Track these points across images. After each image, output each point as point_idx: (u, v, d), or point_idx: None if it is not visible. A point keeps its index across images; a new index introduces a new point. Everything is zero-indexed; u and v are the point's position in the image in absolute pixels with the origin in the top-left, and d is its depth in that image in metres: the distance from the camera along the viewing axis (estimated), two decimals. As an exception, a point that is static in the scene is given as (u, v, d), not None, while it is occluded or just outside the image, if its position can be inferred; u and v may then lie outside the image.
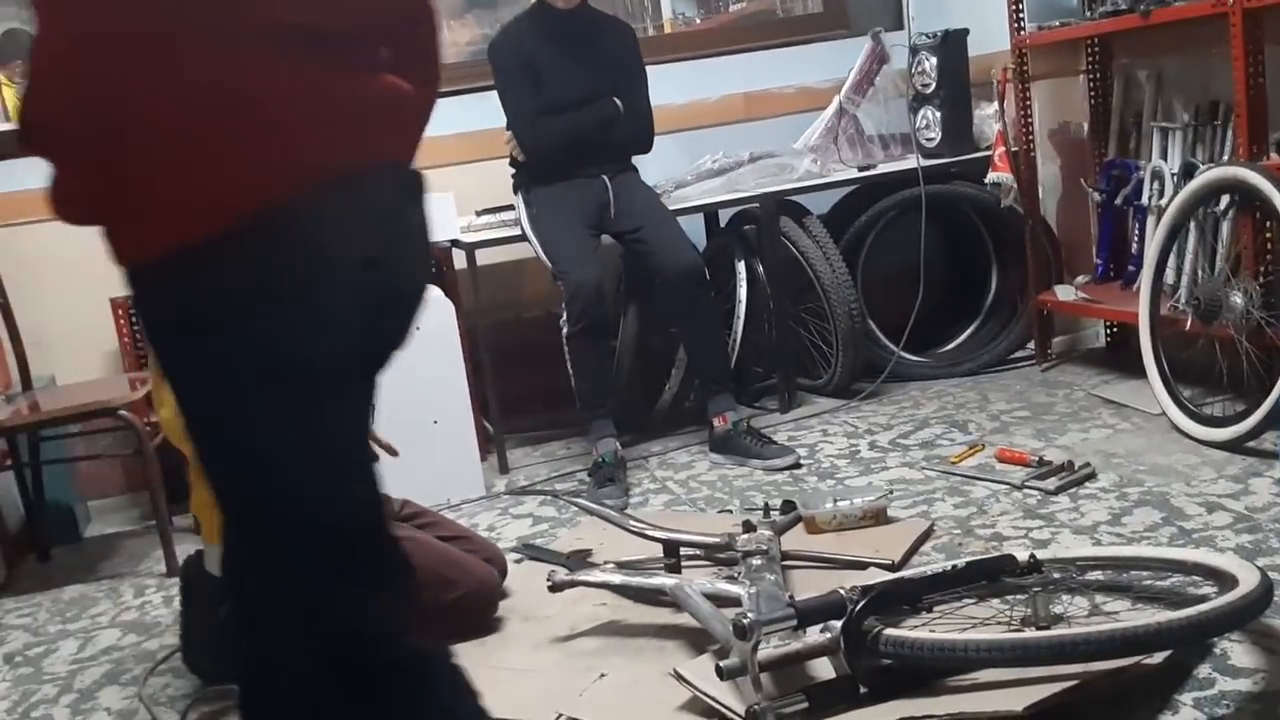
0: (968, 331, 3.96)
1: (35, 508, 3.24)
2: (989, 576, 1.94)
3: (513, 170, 3.42)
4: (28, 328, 3.29)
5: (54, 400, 3.08)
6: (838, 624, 1.77)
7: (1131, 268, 3.51)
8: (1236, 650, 1.82)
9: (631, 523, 2.51)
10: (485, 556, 2.41)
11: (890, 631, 1.72)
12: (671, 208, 3.47)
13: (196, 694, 2.21)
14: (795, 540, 2.49)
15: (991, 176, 3.61)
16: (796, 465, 3.09)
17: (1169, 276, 3.17)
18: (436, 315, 3.13)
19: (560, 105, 3.27)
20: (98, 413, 2.94)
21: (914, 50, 3.78)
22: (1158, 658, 1.74)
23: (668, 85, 3.70)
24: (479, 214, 3.53)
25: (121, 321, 3.42)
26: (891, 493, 2.66)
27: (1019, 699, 1.56)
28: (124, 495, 3.62)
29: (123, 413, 2.87)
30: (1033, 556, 1.95)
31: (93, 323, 3.48)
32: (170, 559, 2.93)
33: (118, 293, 3.38)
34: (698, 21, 4.49)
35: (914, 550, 2.42)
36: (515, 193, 3.40)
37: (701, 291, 3.26)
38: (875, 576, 2.11)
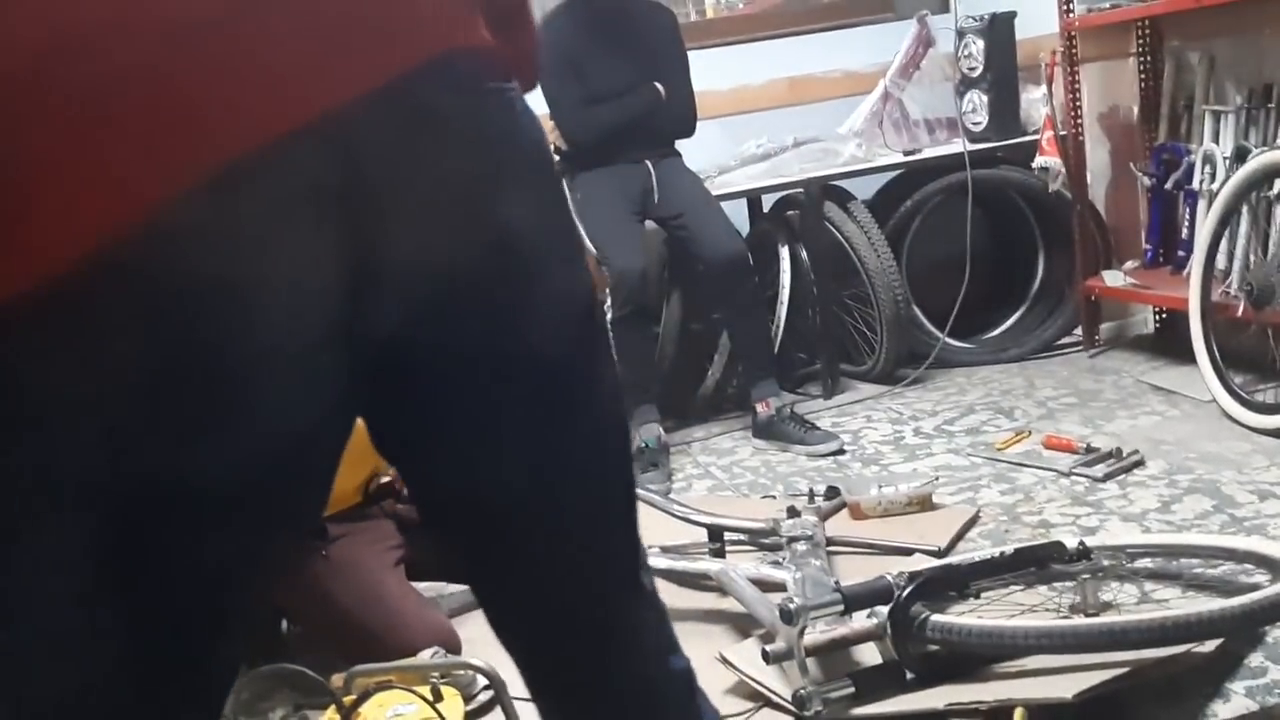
0: (1014, 317, 3.92)
1: None
2: (1037, 563, 1.93)
3: (556, 157, 3.43)
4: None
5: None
6: (884, 609, 1.76)
7: (1181, 253, 3.46)
8: (1290, 640, 1.80)
9: (675, 507, 2.51)
10: None
11: (937, 618, 1.72)
12: (715, 193, 3.46)
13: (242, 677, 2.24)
14: (840, 526, 2.49)
15: (1039, 161, 3.57)
16: (840, 451, 3.08)
17: (1220, 262, 3.12)
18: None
19: (603, 95, 3.28)
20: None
21: (960, 34, 3.74)
22: (1209, 646, 1.72)
23: (711, 70, 3.69)
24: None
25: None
26: (937, 479, 2.65)
27: (1068, 686, 1.55)
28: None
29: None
30: (1081, 543, 1.94)
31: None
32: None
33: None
34: (741, 6, 4.46)
35: (960, 536, 2.40)
36: (560, 173, 3.41)
37: (745, 278, 3.25)
38: (921, 563, 2.11)
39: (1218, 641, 1.73)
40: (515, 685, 1.77)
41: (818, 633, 1.77)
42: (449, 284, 0.77)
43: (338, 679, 1.70)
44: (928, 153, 3.74)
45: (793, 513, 2.37)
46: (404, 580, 2.15)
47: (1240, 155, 3.14)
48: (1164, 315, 3.74)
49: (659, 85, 3.31)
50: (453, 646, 2.01)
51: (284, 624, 2.30)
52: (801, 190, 3.57)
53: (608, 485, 0.92)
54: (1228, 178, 3.04)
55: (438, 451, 0.83)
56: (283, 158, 0.68)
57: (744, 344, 3.35)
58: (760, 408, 3.25)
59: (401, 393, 0.79)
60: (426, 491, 0.88)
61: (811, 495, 2.60)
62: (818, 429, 3.18)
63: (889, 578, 1.80)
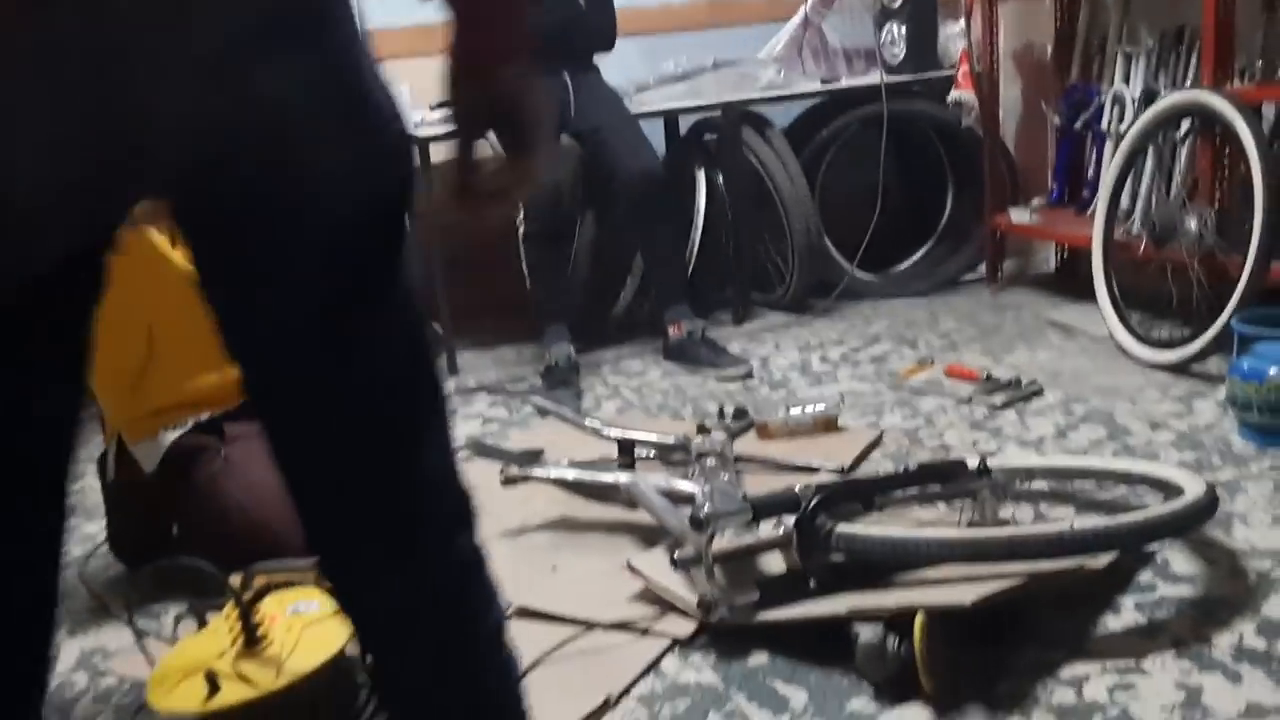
0: (921, 252, 3.97)
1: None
2: (939, 479, 1.96)
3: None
4: None
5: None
6: (791, 520, 1.78)
7: (1086, 193, 3.53)
8: (1177, 558, 1.87)
9: (586, 421, 2.50)
10: None
11: (843, 528, 1.73)
12: (632, 111, 3.42)
13: (130, 578, 2.18)
14: (747, 446, 2.50)
15: (954, 94, 3.60)
16: (750, 375, 3.09)
17: (1124, 203, 3.19)
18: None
19: None
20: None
21: (884, -37, 3.73)
22: (1102, 561, 1.77)
23: (633, -14, 3.64)
24: (433, 108, 3.45)
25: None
26: (842, 402, 2.67)
27: (967, 594, 1.58)
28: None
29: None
30: (982, 462, 1.97)
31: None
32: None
33: None
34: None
35: (864, 457, 2.44)
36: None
37: (660, 197, 3.22)
38: (826, 481, 2.13)
39: (1110, 557, 1.78)
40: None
41: (725, 541, 1.78)
42: (204, 146, 0.76)
43: (235, 578, 1.66)
44: (845, 83, 3.74)
45: (702, 430, 2.37)
46: None
47: (1149, 97, 3.20)
48: (1066, 254, 3.82)
49: None
50: None
51: (174, 528, 2.24)
52: (719, 113, 3.54)
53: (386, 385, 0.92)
54: (1136, 118, 3.10)
55: (221, 292, 0.87)
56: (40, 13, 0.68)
57: (657, 265, 3.32)
58: (672, 330, 3.24)
59: (198, 235, 0.84)
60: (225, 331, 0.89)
61: (722, 414, 2.61)
62: (728, 353, 3.19)
63: (796, 489, 1.81)
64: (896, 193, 3.85)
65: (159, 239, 2.07)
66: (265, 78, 0.76)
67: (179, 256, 2.07)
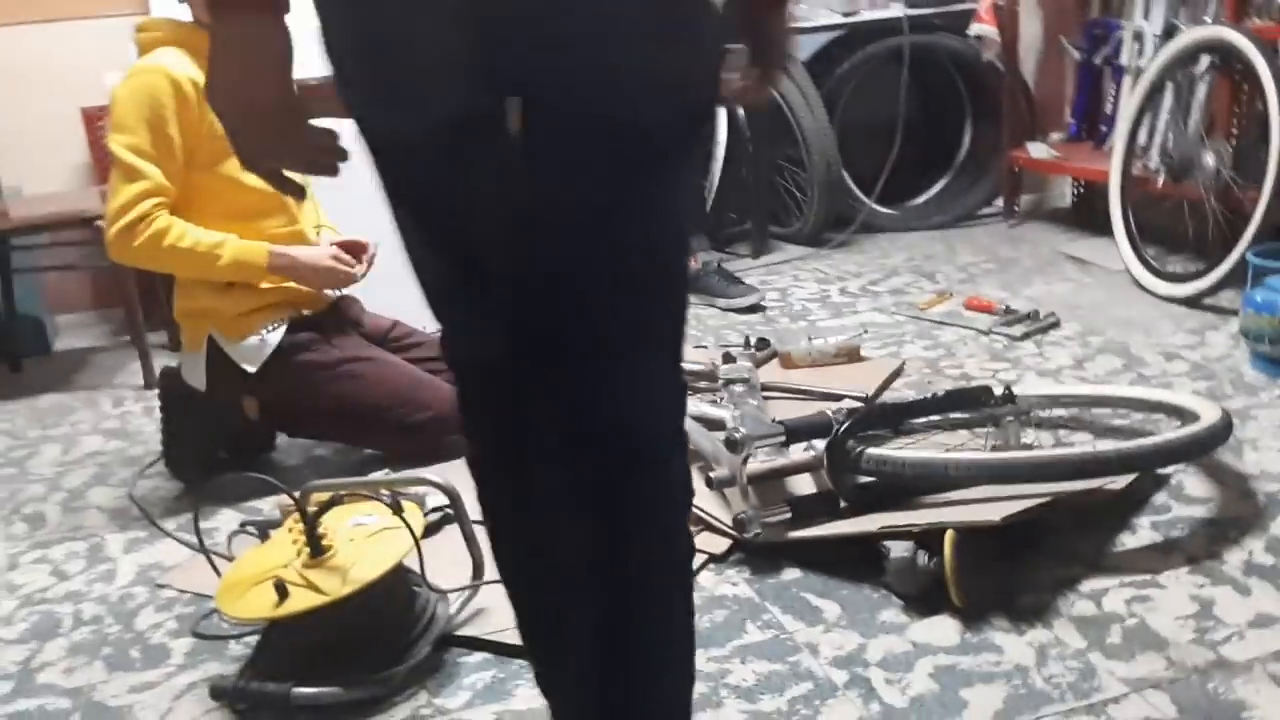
0: (938, 185, 4.01)
1: (6, 318, 3.22)
2: (966, 405, 2.03)
3: None
4: (-6, 134, 3.23)
5: (26, 209, 3.03)
6: (822, 443, 1.85)
7: (1104, 129, 3.57)
8: (1190, 482, 1.94)
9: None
10: None
11: (873, 450, 1.81)
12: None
13: (183, 495, 2.27)
14: (771, 375, 2.57)
15: (975, 28, 3.62)
16: (760, 307, 3.14)
17: (1141, 138, 3.22)
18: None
19: None
20: (72, 222, 2.91)
21: (904, -104, 3.72)
22: (1120, 484, 1.84)
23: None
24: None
25: (93, 132, 3.34)
26: (865, 332, 2.73)
27: (995, 512, 1.66)
28: (92, 311, 3.61)
29: (99, 223, 2.84)
30: (1007, 388, 2.04)
31: (63, 133, 3.41)
32: (148, 372, 2.94)
33: (89, 102, 3.31)
34: None
35: (886, 386, 2.50)
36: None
37: None
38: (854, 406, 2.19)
39: (1128, 480, 1.86)
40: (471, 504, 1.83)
41: (759, 462, 1.86)
42: (545, 44, 0.88)
43: (286, 501, 1.73)
44: (867, 15, 3.75)
45: (728, 358, 2.44)
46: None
47: (1169, 32, 3.22)
48: (1082, 189, 3.86)
49: None
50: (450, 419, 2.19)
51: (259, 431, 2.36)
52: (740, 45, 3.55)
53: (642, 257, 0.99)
54: (1155, 54, 3.12)
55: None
56: None
57: None
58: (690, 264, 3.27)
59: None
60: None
61: (747, 342, 2.67)
62: (741, 283, 3.24)
63: (828, 413, 1.88)
64: (915, 126, 3.88)
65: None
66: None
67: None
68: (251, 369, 2.20)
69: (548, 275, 0.96)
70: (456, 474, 1.66)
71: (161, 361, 2.90)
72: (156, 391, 2.43)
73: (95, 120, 3.31)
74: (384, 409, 2.22)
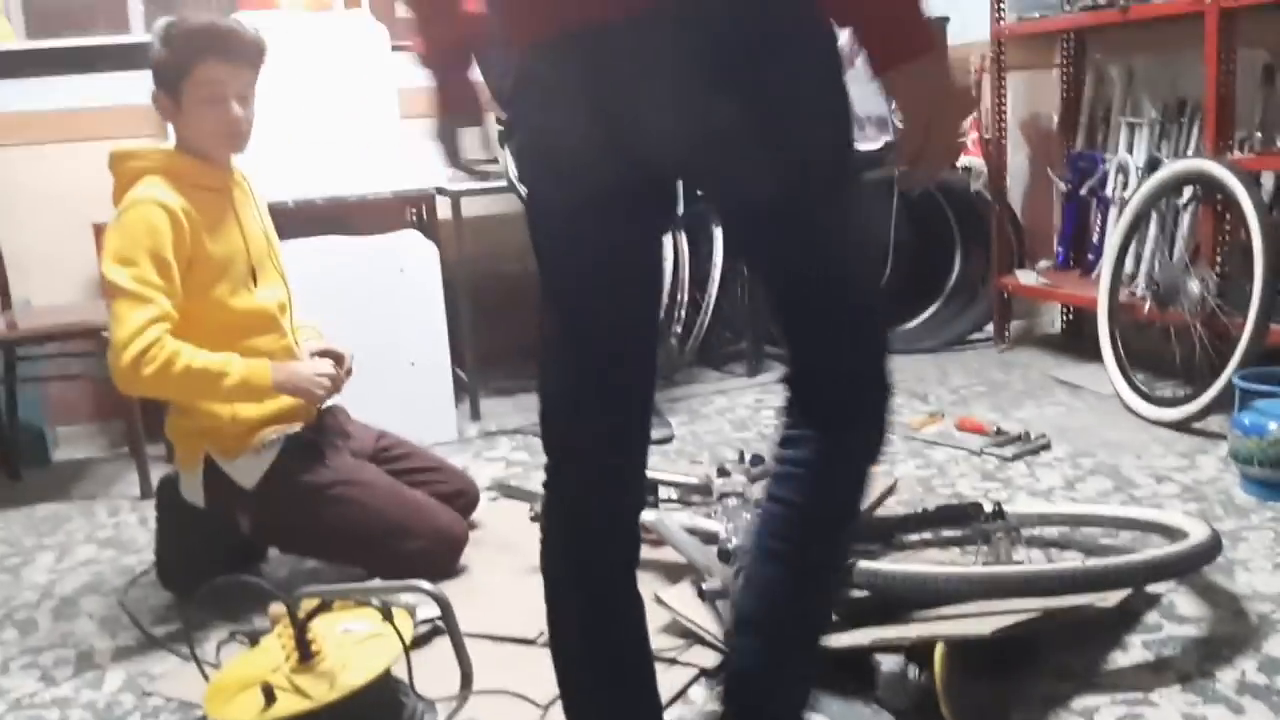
0: (930, 311, 4.08)
1: (8, 427, 3.25)
2: (956, 520, 2.05)
3: (499, 125, 3.46)
4: (7, 250, 3.30)
5: (33, 319, 3.08)
6: (814, 556, 1.85)
7: (1091, 257, 3.65)
8: (1182, 601, 1.95)
9: (610, 463, 2.58)
10: (457, 488, 2.47)
11: (864, 564, 1.82)
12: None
13: (173, 605, 2.26)
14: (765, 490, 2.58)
15: (963, 160, 3.73)
16: (666, 439, 3.13)
17: (1128, 266, 3.30)
18: (420, 258, 3.19)
19: None
20: (77, 333, 2.96)
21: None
22: (1111, 601, 1.85)
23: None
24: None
25: (102, 247, 3.41)
26: (858, 451, 2.75)
27: (985, 626, 1.66)
28: (93, 423, 3.63)
29: (105, 334, 2.88)
30: (997, 505, 2.06)
31: (73, 248, 3.49)
32: (145, 481, 2.96)
33: (100, 218, 3.39)
34: None
35: (879, 503, 2.51)
36: (502, 146, 3.43)
37: None
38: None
39: (1119, 596, 1.86)
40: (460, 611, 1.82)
41: (751, 574, 1.86)
42: (713, 130, 1.13)
43: (277, 607, 1.73)
44: (858, 147, 3.87)
45: (723, 472, 2.45)
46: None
47: (1152, 165, 3.32)
48: (1070, 316, 3.93)
49: None
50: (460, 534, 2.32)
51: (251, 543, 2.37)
52: (737, 173, 3.66)
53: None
54: (1140, 185, 3.22)
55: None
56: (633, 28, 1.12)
57: None
58: None
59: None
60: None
61: (742, 456, 2.69)
62: (658, 415, 3.18)
63: (820, 526, 1.89)
64: (907, 253, 3.97)
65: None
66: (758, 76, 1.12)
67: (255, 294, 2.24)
68: (249, 485, 2.21)
69: None
70: (448, 586, 1.68)
71: (159, 473, 2.92)
72: (153, 501, 2.44)
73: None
74: (375, 537, 2.21)
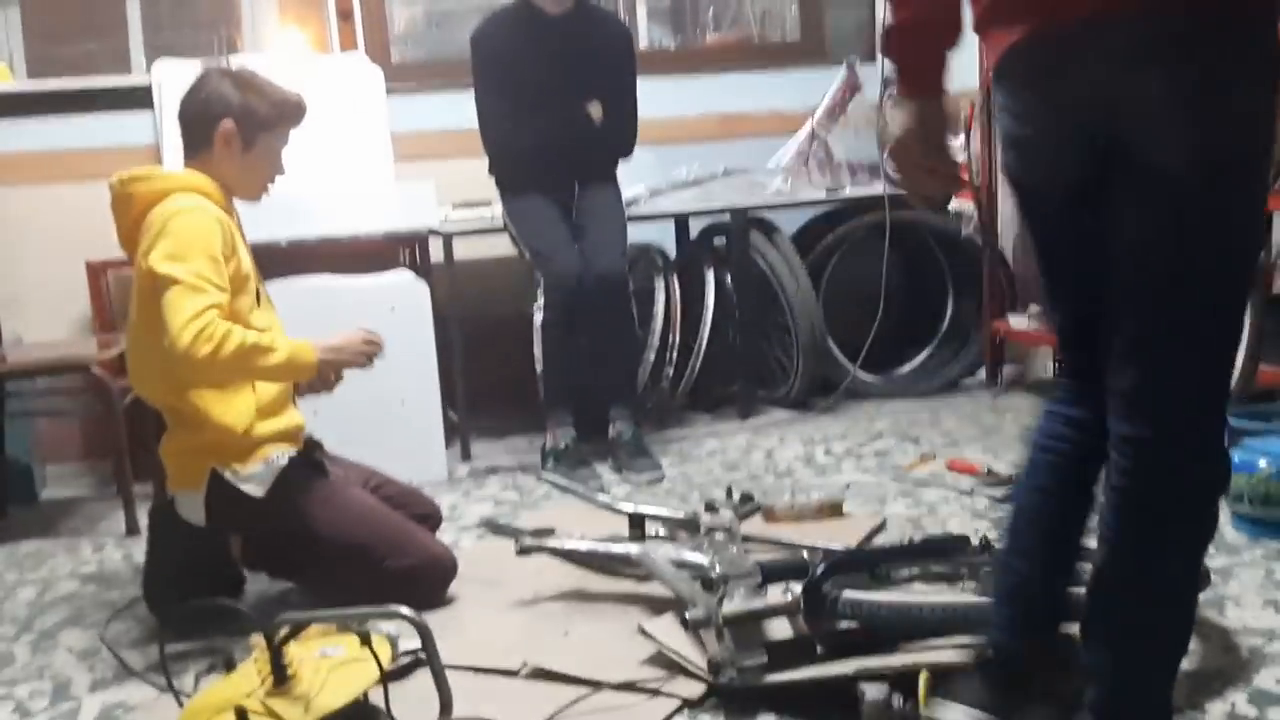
0: (922, 355, 4.08)
1: (-5, 463, 3.24)
2: (943, 553, 2.03)
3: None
4: (1, 288, 3.31)
5: (24, 355, 3.09)
6: (799, 586, 1.84)
7: (1082, 301, 3.66)
8: (1171, 635, 1.92)
9: (599, 497, 2.57)
10: (423, 512, 2.52)
11: (849, 594, 1.80)
12: (644, 213, 3.56)
13: (153, 637, 2.23)
14: (754, 528, 2.57)
15: (954, 205, 3.75)
16: (658, 480, 3.11)
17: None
18: (411, 298, 3.20)
19: (534, 109, 3.26)
20: (67, 368, 2.96)
21: (886, 82, 3.91)
22: (1099, 633, 1.82)
23: (648, 100, 3.79)
24: (455, 207, 3.60)
25: (95, 285, 3.42)
26: (848, 487, 2.75)
27: (969, 655, 1.64)
28: (81, 462, 3.63)
29: (95, 370, 2.89)
30: (985, 539, 2.04)
31: (65, 286, 3.50)
32: (131, 519, 2.94)
33: (94, 256, 3.41)
34: (672, 50, 4.61)
35: (868, 541, 2.50)
36: (498, 186, 3.46)
37: (616, 298, 3.21)
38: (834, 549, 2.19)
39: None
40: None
41: (735, 604, 1.84)
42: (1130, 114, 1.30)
43: (256, 636, 1.71)
44: (850, 192, 3.90)
45: (710, 508, 2.44)
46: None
47: (1140, 209, 3.34)
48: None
49: (596, 105, 3.31)
50: (450, 563, 2.34)
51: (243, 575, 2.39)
52: (729, 218, 3.69)
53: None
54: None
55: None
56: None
57: (604, 362, 3.30)
58: (611, 429, 3.28)
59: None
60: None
61: (730, 493, 2.68)
62: (648, 456, 3.19)
63: (805, 555, 1.88)
64: (899, 297, 3.99)
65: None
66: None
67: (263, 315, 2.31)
68: (259, 493, 2.23)
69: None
70: (432, 619, 1.66)
71: (146, 511, 2.90)
72: (141, 534, 2.43)
73: (98, 273, 3.40)
74: (373, 550, 2.25)
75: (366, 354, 2.37)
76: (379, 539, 2.27)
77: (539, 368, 3.22)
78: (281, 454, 2.28)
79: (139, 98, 3.59)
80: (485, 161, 3.45)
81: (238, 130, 2.28)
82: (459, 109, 3.61)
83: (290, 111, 2.36)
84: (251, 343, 2.13)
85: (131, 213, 2.23)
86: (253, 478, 2.24)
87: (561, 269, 3.14)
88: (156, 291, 2.11)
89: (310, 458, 2.37)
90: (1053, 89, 1.35)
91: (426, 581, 2.28)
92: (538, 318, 3.18)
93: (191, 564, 2.28)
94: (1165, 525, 1.37)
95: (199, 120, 2.29)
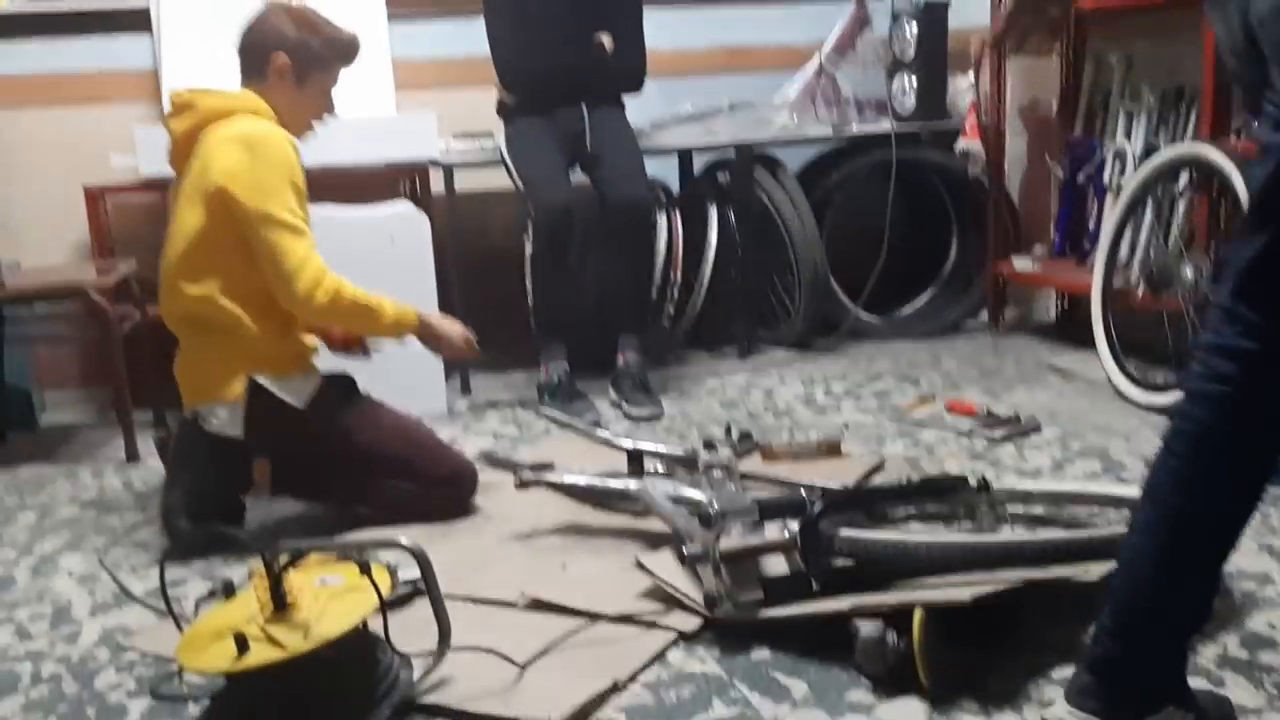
0: (925, 296, 4.07)
1: (-6, 388, 3.24)
2: (941, 493, 2.03)
3: (498, 96, 3.44)
4: (-3, 210, 3.29)
5: (22, 279, 3.07)
6: (795, 523, 1.85)
7: (1087, 245, 3.64)
8: (1165, 578, 1.93)
9: (599, 433, 2.57)
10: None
11: (846, 532, 1.81)
12: (647, 147, 3.52)
13: (153, 563, 2.24)
14: (752, 466, 2.57)
15: (962, 144, 3.72)
16: (657, 418, 3.11)
17: (1123, 253, 3.29)
18: (411, 229, 3.17)
19: (544, 40, 3.24)
20: (65, 292, 2.94)
21: (895, 16, 3.86)
22: (1094, 574, 1.83)
23: (654, 30, 3.73)
24: (456, 137, 3.56)
25: (93, 210, 3.39)
26: (846, 427, 2.75)
27: (965, 593, 1.65)
28: (81, 389, 3.62)
29: (93, 295, 2.87)
30: (983, 479, 2.05)
31: (64, 211, 3.47)
32: (130, 445, 2.94)
33: (92, 181, 3.38)
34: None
35: (865, 480, 2.50)
36: (499, 114, 3.42)
37: (641, 227, 3.23)
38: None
39: (1102, 570, 1.84)
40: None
41: (732, 540, 1.85)
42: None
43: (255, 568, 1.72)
44: (856, 129, 3.85)
45: (709, 446, 2.45)
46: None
47: (1150, 153, 3.31)
48: (1066, 304, 3.91)
49: (607, 36, 3.28)
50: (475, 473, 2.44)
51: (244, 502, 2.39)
52: (734, 154, 3.65)
53: None
54: (1137, 170, 3.21)
55: None
56: None
57: (622, 291, 3.31)
58: (619, 358, 3.26)
59: None
60: None
61: (729, 430, 2.68)
62: (648, 392, 3.18)
63: (803, 493, 1.88)
64: (902, 238, 3.95)
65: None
66: None
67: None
68: (300, 403, 2.28)
69: None
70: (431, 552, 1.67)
71: (146, 438, 2.91)
72: (140, 460, 2.44)
73: (96, 199, 3.37)
74: (409, 460, 2.35)
75: (461, 349, 2.50)
76: (418, 450, 2.37)
77: (530, 300, 3.21)
78: (317, 367, 2.36)
79: (137, 20, 3.53)
80: (488, 92, 3.41)
81: (291, 65, 2.33)
82: (462, 36, 3.57)
83: (344, 50, 2.40)
84: (363, 301, 2.27)
85: (191, 122, 2.28)
86: (292, 387, 2.29)
87: (550, 198, 3.11)
88: (248, 220, 2.19)
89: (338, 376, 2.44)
90: None
91: (464, 489, 2.41)
92: (529, 249, 3.16)
93: (207, 488, 2.29)
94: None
95: (254, 50, 2.33)
